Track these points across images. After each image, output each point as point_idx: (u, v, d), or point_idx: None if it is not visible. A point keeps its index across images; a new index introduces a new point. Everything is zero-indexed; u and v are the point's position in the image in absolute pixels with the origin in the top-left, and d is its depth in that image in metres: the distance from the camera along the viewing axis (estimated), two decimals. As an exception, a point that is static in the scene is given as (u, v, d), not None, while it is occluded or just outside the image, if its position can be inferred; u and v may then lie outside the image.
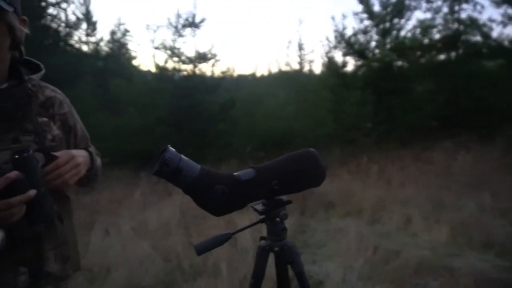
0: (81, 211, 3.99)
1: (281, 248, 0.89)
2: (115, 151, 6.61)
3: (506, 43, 7.69)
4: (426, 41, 7.79)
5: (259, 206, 0.88)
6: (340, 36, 7.92)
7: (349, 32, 7.99)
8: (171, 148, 0.75)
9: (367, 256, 3.09)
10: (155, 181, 5.09)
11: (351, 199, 4.48)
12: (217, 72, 8.14)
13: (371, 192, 4.57)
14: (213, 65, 7.80)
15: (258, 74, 10.91)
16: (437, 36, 8.08)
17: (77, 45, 9.23)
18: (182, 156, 0.75)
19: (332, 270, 2.93)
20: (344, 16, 9.11)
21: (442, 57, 8.33)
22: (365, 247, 3.23)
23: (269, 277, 1.00)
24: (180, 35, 7.49)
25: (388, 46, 7.53)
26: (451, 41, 7.97)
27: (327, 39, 8.24)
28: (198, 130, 7.14)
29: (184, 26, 7.45)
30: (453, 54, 8.29)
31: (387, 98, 7.19)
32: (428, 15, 8.14)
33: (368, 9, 7.67)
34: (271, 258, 0.92)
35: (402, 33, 7.82)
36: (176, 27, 7.46)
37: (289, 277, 0.96)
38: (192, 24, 7.45)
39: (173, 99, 7.16)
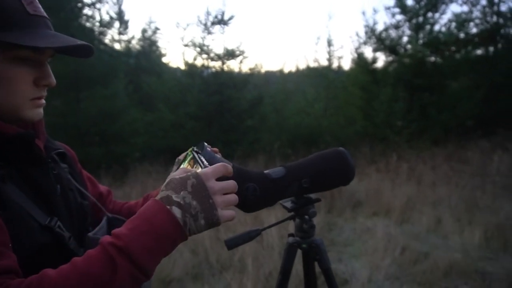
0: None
1: (309, 245, 0.91)
2: (147, 146, 6.84)
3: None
4: (462, 35, 7.48)
5: (288, 204, 0.90)
6: (371, 31, 7.75)
7: (380, 27, 7.82)
8: (207, 146, 0.77)
9: (395, 256, 3.04)
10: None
11: (379, 198, 4.41)
12: (245, 69, 8.20)
13: (401, 192, 4.48)
14: (241, 62, 7.87)
15: (286, 70, 10.87)
16: (474, 30, 7.75)
17: (110, 44, 9.58)
18: (216, 154, 0.78)
19: (358, 269, 2.91)
20: (375, 11, 8.93)
21: (479, 52, 7.98)
22: (393, 247, 3.17)
23: (295, 274, 1.03)
24: (209, 33, 7.59)
25: (421, 41, 7.30)
26: (489, 35, 7.62)
27: (357, 34, 8.09)
28: (227, 126, 7.23)
29: (213, 23, 7.54)
30: (491, 49, 7.92)
31: (420, 95, 6.97)
32: (465, 8, 7.83)
33: (400, 3, 7.45)
34: (298, 255, 0.94)
35: (436, 27, 7.56)
36: (205, 25, 7.56)
37: (316, 274, 0.98)
38: (221, 21, 7.53)
39: (202, 96, 7.28)
